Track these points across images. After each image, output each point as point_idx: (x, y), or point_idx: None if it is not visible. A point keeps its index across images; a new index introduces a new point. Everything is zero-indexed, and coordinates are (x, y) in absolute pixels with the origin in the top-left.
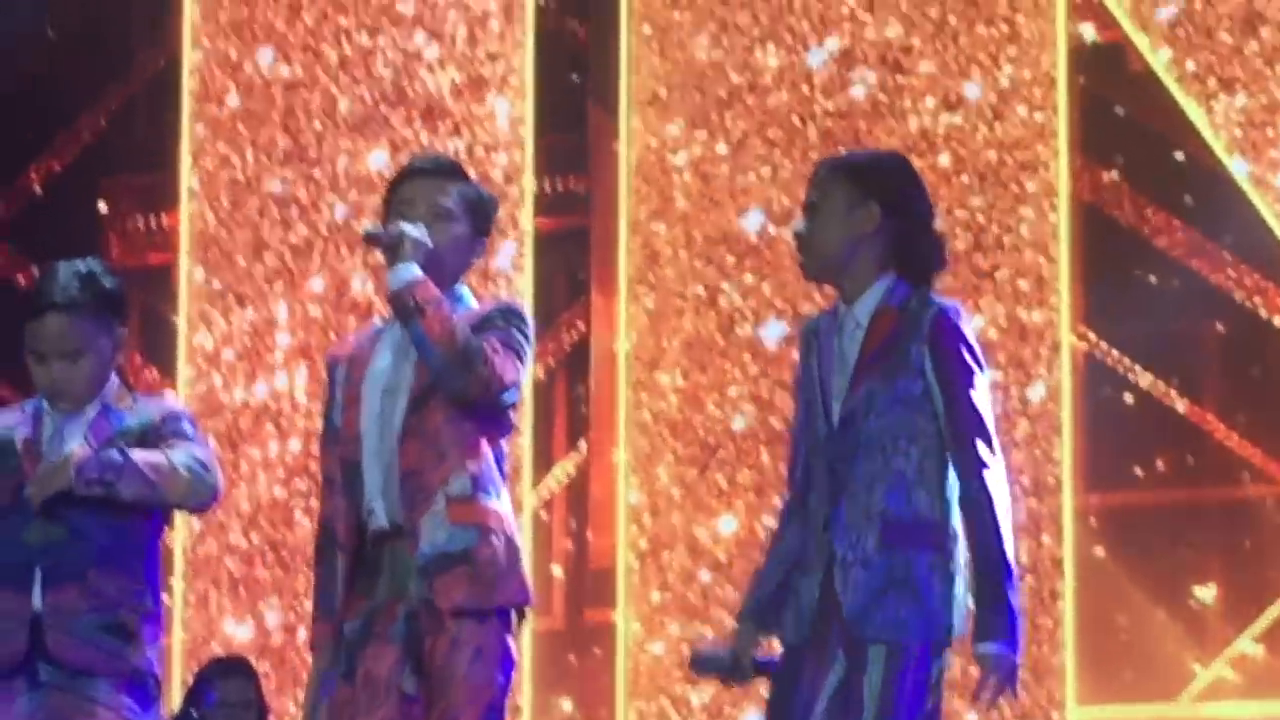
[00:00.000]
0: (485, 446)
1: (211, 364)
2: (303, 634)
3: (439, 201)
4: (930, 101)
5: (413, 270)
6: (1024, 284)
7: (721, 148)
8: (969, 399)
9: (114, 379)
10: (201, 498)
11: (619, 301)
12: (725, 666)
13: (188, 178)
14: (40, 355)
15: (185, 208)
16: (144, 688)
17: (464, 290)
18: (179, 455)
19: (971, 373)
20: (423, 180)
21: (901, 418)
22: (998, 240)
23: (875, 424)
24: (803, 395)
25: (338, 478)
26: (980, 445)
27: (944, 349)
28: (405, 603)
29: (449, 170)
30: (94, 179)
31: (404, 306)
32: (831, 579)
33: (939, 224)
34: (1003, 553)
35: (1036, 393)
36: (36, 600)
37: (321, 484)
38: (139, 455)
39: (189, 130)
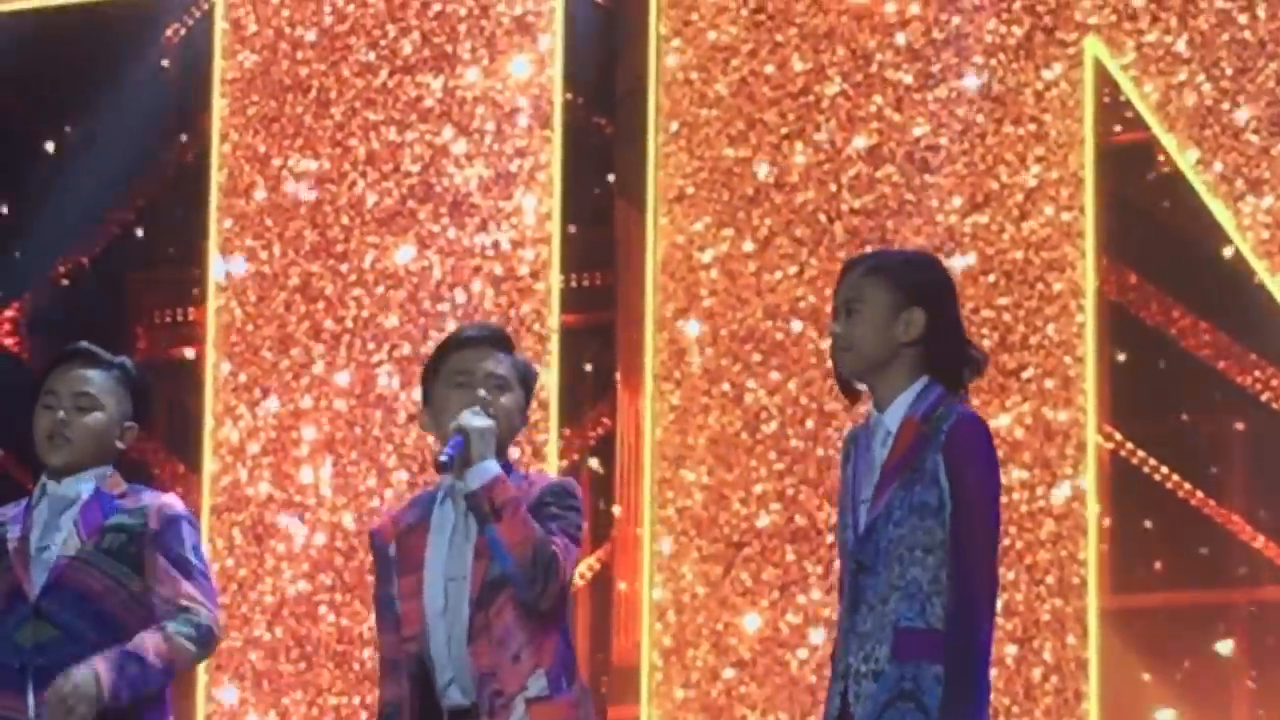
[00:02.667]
0: (556, 637)
1: (236, 457)
2: None
3: (495, 371)
4: (957, 200)
5: (491, 469)
6: (1050, 383)
7: (748, 245)
8: (979, 513)
9: (111, 468)
10: (205, 657)
11: (645, 398)
12: None
13: (214, 271)
14: (53, 398)
15: (212, 301)
16: None
17: (513, 455)
18: (182, 627)
19: (980, 485)
20: (475, 350)
21: (918, 527)
22: (1024, 340)
23: (894, 533)
24: (840, 505)
25: (403, 665)
26: (978, 562)
27: (957, 458)
28: None
29: (499, 339)
30: (121, 273)
31: (481, 508)
32: (848, 690)
33: (964, 322)
34: (977, 666)
35: (1061, 493)
36: (30, 703)
37: (381, 665)
38: (150, 649)
39: (216, 224)
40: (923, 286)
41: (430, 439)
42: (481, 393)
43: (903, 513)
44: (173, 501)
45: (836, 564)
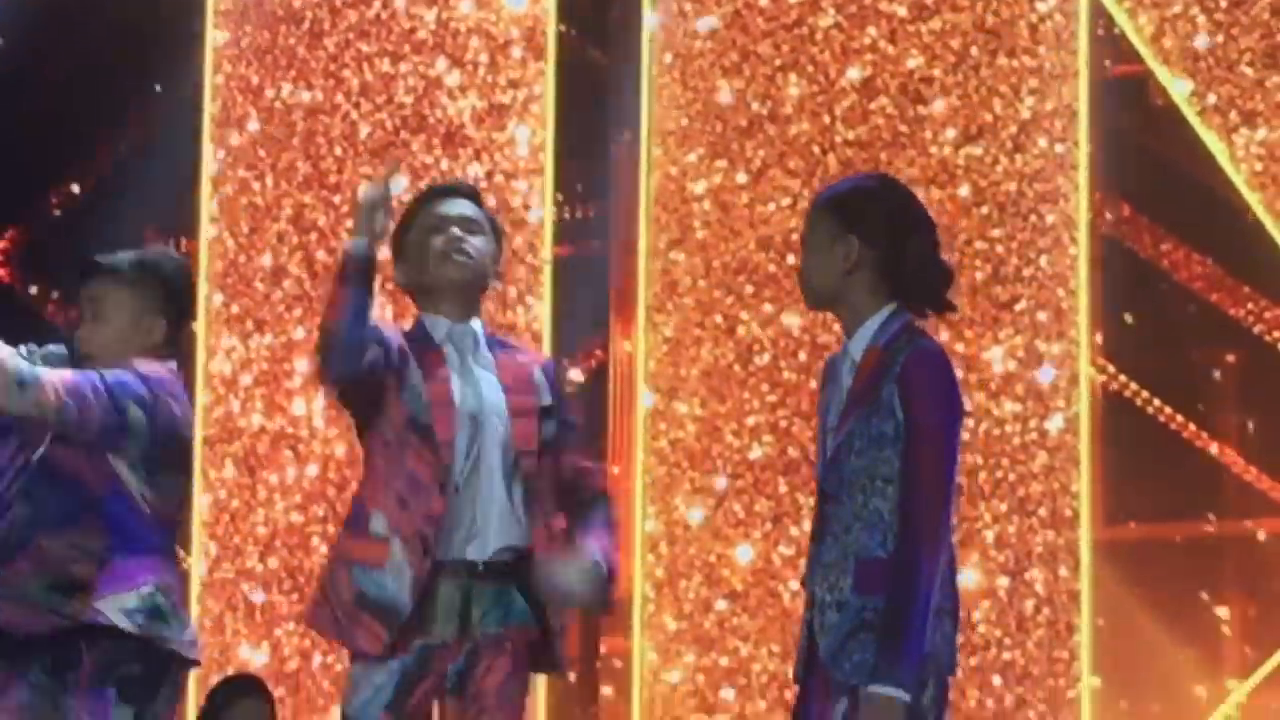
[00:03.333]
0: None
1: (229, 389)
2: (319, 660)
3: (466, 214)
4: (951, 133)
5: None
6: (1043, 316)
7: (741, 177)
8: (926, 441)
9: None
10: (20, 397)
11: (637, 330)
12: None
13: (208, 203)
14: (82, 311)
15: (205, 232)
16: (75, 655)
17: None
18: (22, 361)
19: (930, 417)
20: (446, 199)
21: (877, 458)
22: (1017, 272)
23: (856, 463)
24: (817, 432)
25: (412, 467)
26: (924, 493)
27: (910, 390)
28: (469, 640)
29: (470, 191)
30: (116, 203)
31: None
32: (813, 620)
33: (949, 252)
34: (917, 599)
35: (1054, 425)
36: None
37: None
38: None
39: (210, 154)
40: (858, 213)
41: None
42: (456, 231)
43: (863, 442)
44: (146, 365)
45: None
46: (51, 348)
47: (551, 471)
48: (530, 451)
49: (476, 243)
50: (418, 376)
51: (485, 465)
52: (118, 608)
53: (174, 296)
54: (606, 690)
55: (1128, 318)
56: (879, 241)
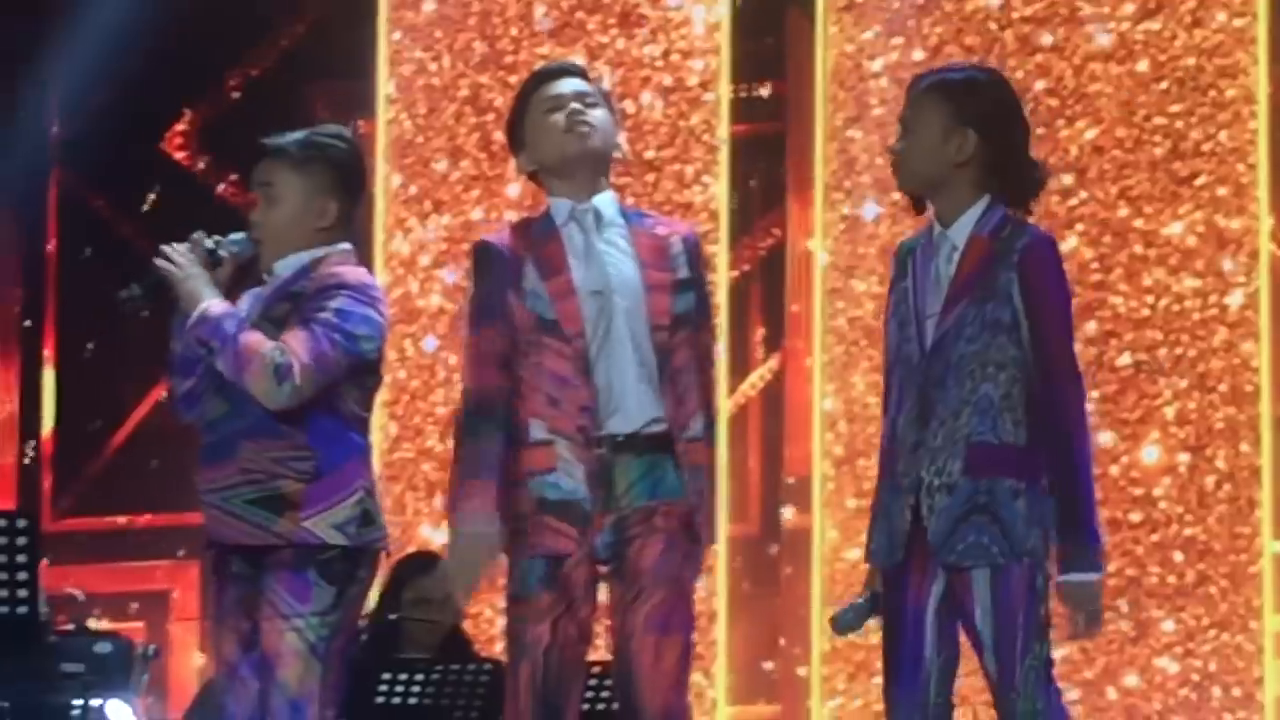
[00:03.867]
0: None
1: (408, 270)
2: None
3: (580, 90)
4: (1129, 8)
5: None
6: (1223, 191)
7: (918, 54)
8: (1058, 331)
9: (324, 249)
10: (271, 403)
11: (815, 208)
12: (867, 613)
13: (385, 84)
14: (256, 194)
15: (383, 113)
16: (302, 570)
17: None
18: (276, 353)
19: (1061, 304)
20: (557, 79)
21: (991, 344)
22: (1196, 147)
23: (966, 349)
24: (895, 317)
25: (554, 369)
26: (1068, 376)
27: (1034, 279)
28: (615, 512)
29: (578, 69)
30: (293, 85)
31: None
32: (919, 504)
33: (1128, 127)
34: (1086, 482)
35: (1234, 300)
36: (200, 480)
37: (478, 356)
38: (247, 339)
39: (386, 36)
40: (974, 108)
41: None
42: (574, 105)
43: (975, 329)
44: (346, 272)
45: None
46: (235, 237)
47: (688, 344)
48: (663, 326)
49: (596, 114)
50: (534, 278)
51: (618, 340)
52: (329, 524)
53: (345, 177)
54: (787, 569)
55: None
56: (991, 136)
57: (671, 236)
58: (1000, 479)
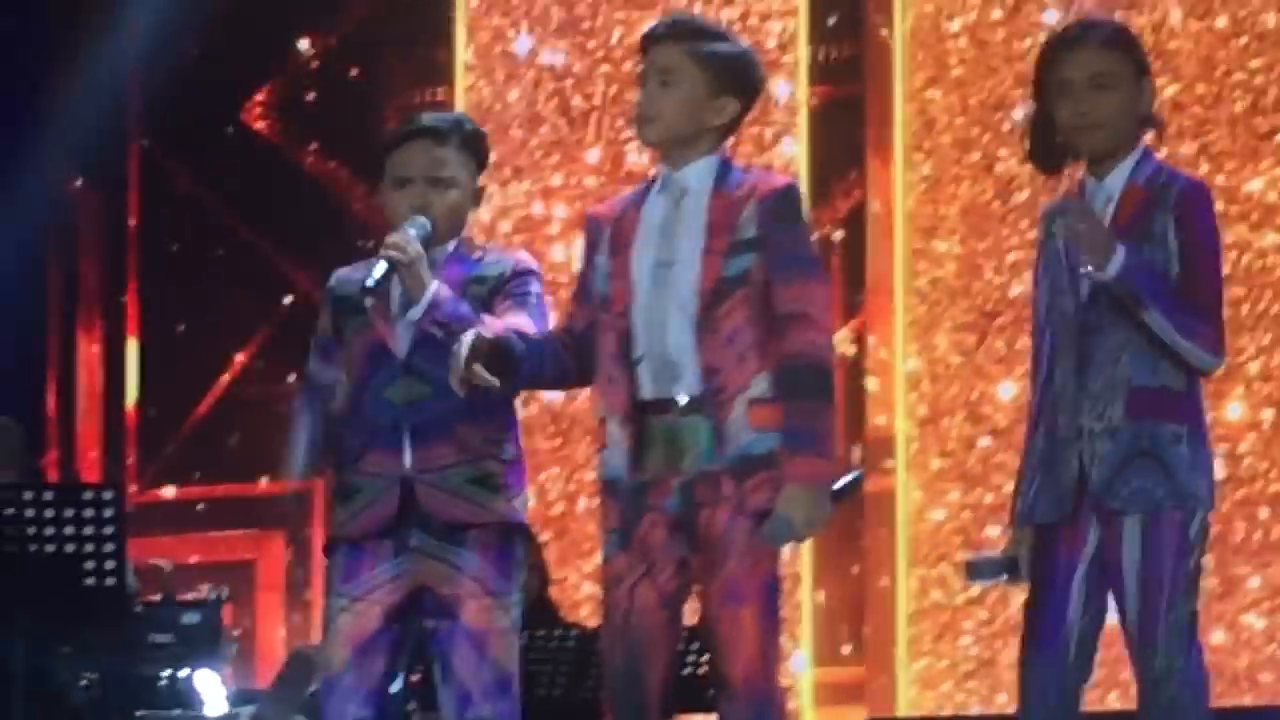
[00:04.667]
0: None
1: (488, 236)
2: (583, 503)
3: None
4: None
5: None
6: None
7: (997, 13)
8: (1207, 272)
9: (468, 228)
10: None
11: (895, 169)
12: (1003, 569)
13: (463, 51)
14: (404, 181)
15: (461, 81)
16: (509, 549)
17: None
18: (517, 330)
19: (1212, 249)
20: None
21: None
22: (1277, 103)
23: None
24: (1046, 275)
25: (602, 352)
26: (1214, 319)
27: (1190, 222)
28: (679, 476)
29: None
30: (370, 54)
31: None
32: (1081, 451)
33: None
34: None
35: None
36: (407, 459)
37: (560, 327)
38: (487, 321)
39: (464, 3)
40: (1145, 55)
41: None
42: (649, 88)
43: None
44: (526, 258)
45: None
46: (422, 220)
47: (745, 304)
48: (707, 290)
49: (667, 101)
50: (604, 256)
51: (677, 309)
52: (522, 504)
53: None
54: (871, 530)
55: None
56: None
57: (748, 197)
58: (1163, 423)
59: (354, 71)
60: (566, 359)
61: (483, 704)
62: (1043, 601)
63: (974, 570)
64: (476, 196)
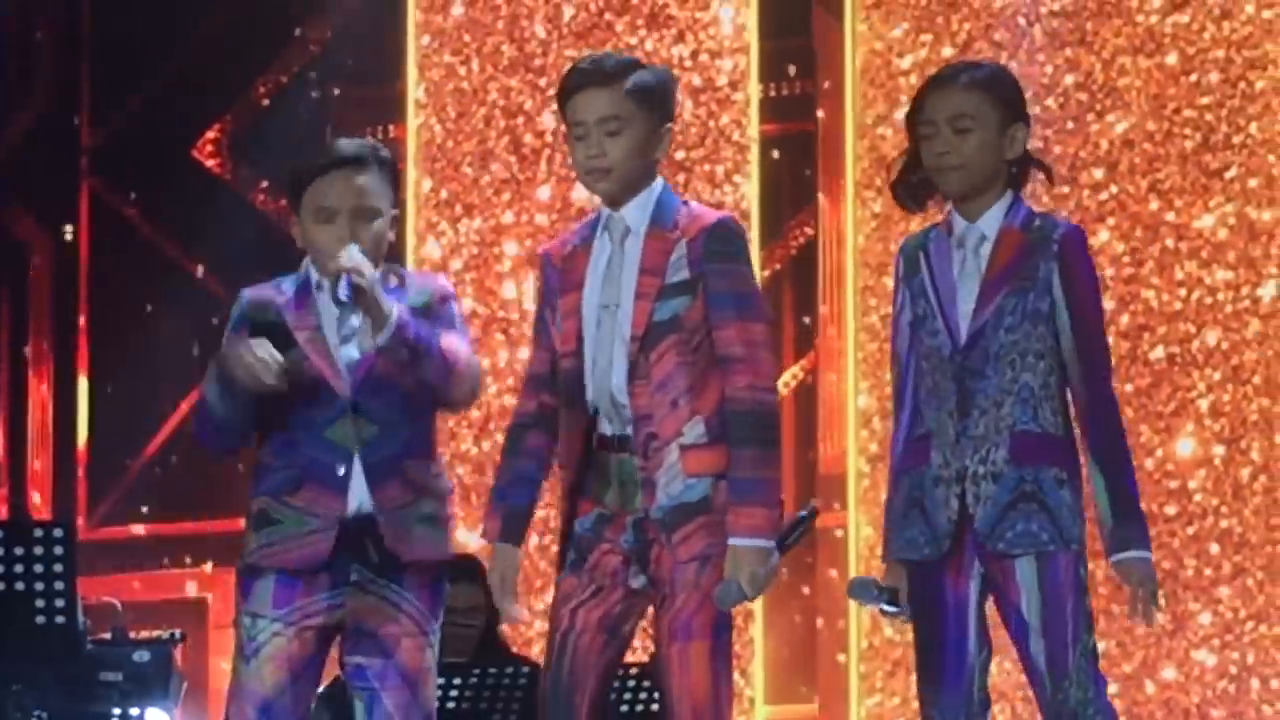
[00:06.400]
0: (718, 387)
1: (441, 272)
2: (535, 541)
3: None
4: (1157, 1)
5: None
6: (1254, 183)
7: (947, 50)
8: (1097, 317)
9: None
10: (471, 400)
11: (846, 205)
12: (884, 597)
13: (415, 89)
14: (328, 213)
15: (412, 119)
16: (440, 585)
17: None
18: (464, 350)
19: (1096, 292)
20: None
21: (1031, 333)
22: (1226, 140)
23: (1006, 339)
24: (911, 312)
25: (545, 381)
26: (1105, 361)
27: (1075, 269)
28: (632, 514)
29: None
30: (322, 91)
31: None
32: (964, 493)
33: (1159, 121)
34: (1129, 462)
35: (1267, 291)
36: (357, 500)
37: (526, 378)
38: (447, 341)
39: (415, 41)
40: (1020, 101)
41: None
42: (592, 142)
43: (1015, 318)
44: (444, 280)
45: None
46: (353, 248)
47: (675, 350)
48: (637, 337)
49: (614, 149)
50: (558, 296)
51: (615, 350)
52: (450, 539)
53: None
54: (823, 569)
55: None
56: (1028, 130)
57: (680, 238)
58: (1045, 467)
59: (304, 109)
60: (545, 451)
61: None
62: (941, 641)
63: (855, 589)
64: (393, 223)
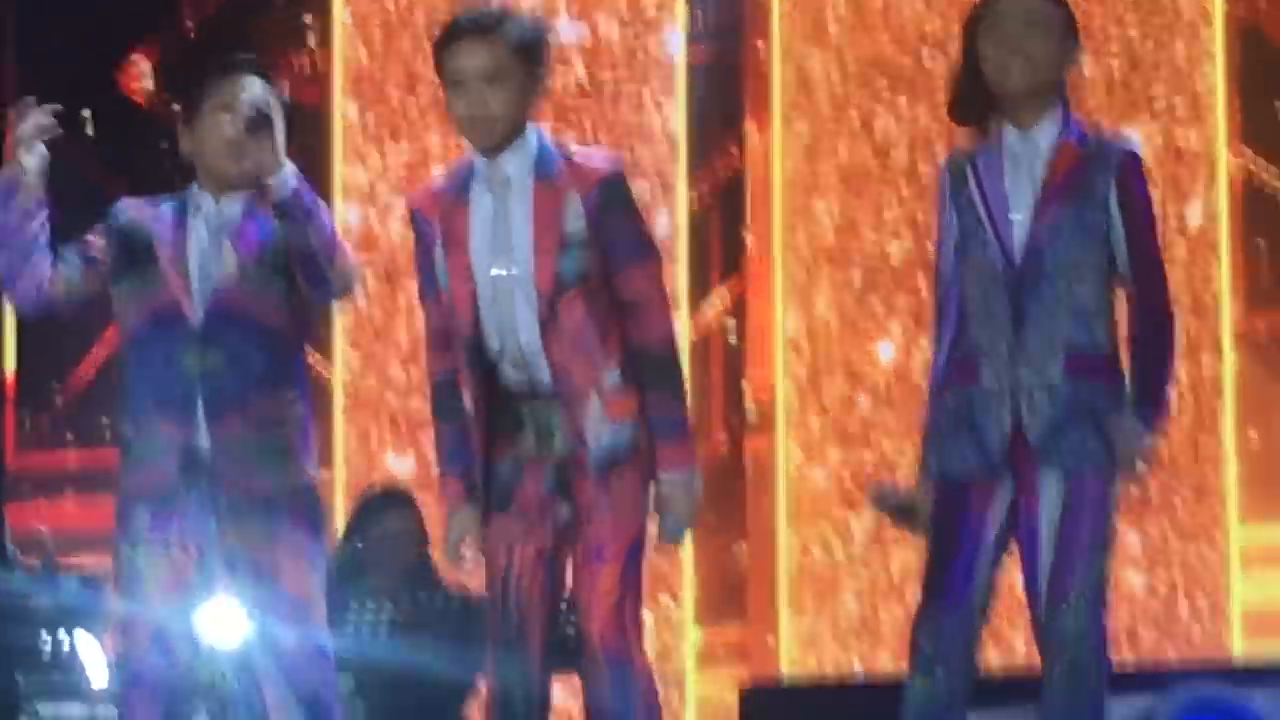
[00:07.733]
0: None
1: (367, 200)
2: None
3: (482, 66)
4: None
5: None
6: (1179, 104)
7: None
8: (1154, 239)
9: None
10: (349, 287)
11: (773, 130)
12: (903, 509)
13: (341, 13)
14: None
15: (339, 42)
16: (313, 510)
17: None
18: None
19: (1152, 218)
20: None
21: (1088, 246)
22: (1153, 61)
23: (1061, 253)
24: (959, 226)
25: (452, 337)
26: (1163, 280)
27: (1134, 189)
28: (552, 459)
29: (491, 23)
30: (246, 19)
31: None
32: (1018, 406)
33: (1092, 45)
34: (1171, 364)
35: (1194, 213)
36: (195, 431)
37: (427, 334)
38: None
39: None
40: (1072, 13)
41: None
42: (472, 96)
43: (1072, 232)
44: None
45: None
46: None
47: (582, 301)
48: (546, 290)
49: (496, 100)
50: (441, 251)
51: (517, 306)
52: (314, 470)
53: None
54: (752, 491)
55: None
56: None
57: (569, 188)
58: (1099, 383)
59: (229, 34)
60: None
61: (309, 670)
62: (952, 558)
63: (879, 498)
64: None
